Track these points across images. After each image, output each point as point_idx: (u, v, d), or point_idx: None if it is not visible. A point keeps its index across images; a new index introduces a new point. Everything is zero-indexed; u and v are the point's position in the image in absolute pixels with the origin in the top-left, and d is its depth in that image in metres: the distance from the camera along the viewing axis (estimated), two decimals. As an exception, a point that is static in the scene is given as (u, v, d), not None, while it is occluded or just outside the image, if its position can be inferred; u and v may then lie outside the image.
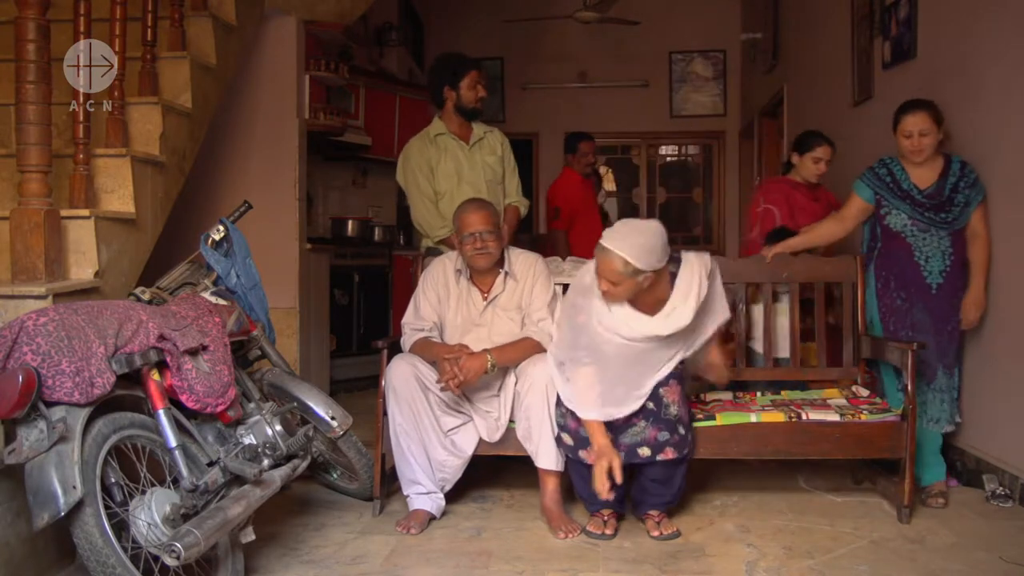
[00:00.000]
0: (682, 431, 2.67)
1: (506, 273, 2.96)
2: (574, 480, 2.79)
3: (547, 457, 2.77)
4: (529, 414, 2.78)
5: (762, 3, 7.10)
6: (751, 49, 7.73)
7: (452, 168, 3.51)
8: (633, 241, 2.47)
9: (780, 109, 6.55)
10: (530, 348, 2.87)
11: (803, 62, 5.96)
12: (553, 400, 2.75)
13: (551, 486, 2.81)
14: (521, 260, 3.00)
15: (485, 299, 2.97)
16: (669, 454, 2.65)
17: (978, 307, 3.11)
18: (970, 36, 3.35)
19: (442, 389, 2.79)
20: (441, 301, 2.98)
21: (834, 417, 2.89)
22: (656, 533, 2.69)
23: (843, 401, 3.09)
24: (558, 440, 2.74)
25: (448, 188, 3.49)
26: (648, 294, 2.58)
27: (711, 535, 2.72)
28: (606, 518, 2.73)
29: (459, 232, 2.90)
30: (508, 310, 2.95)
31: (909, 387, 2.82)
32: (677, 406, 2.66)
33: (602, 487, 2.54)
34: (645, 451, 2.65)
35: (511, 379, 2.89)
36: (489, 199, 3.34)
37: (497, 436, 2.88)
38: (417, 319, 2.97)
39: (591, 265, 2.62)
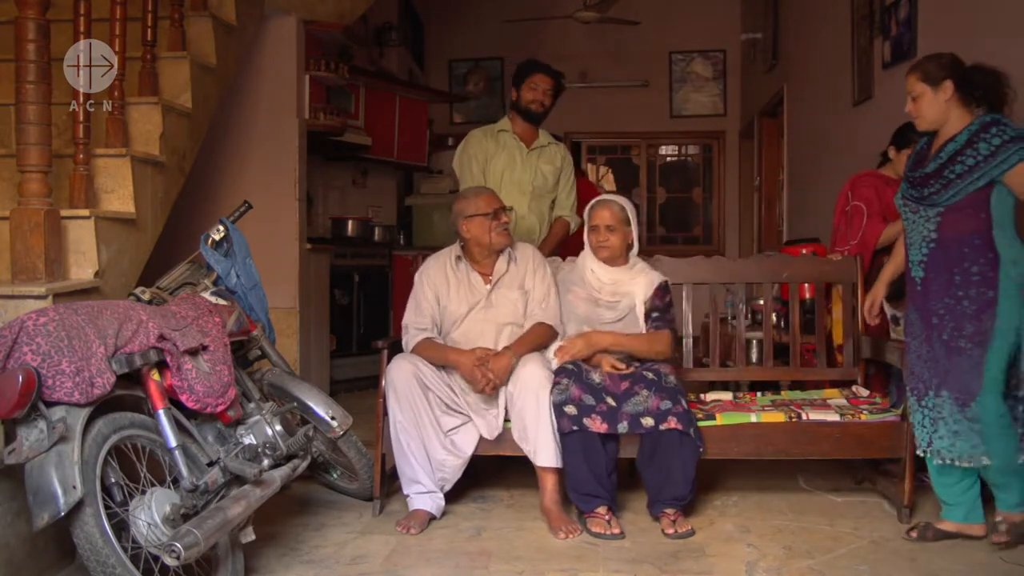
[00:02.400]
0: (685, 404, 2.74)
1: (510, 253, 3.03)
2: (568, 473, 2.75)
3: (546, 454, 2.77)
4: (523, 415, 2.79)
5: (762, 3, 7.10)
6: (751, 49, 7.73)
7: (504, 164, 3.56)
8: (621, 199, 3.07)
9: (780, 109, 6.56)
10: (544, 333, 2.96)
11: (803, 62, 5.96)
12: (547, 398, 2.75)
13: (550, 484, 2.81)
14: (518, 245, 3.11)
15: (488, 282, 3.01)
16: (673, 423, 2.68)
17: None
18: (970, 36, 3.35)
19: (478, 393, 2.85)
20: (440, 293, 3.00)
21: (834, 417, 2.89)
22: (671, 531, 2.68)
23: (843, 401, 3.09)
24: (560, 415, 2.72)
25: (495, 183, 3.52)
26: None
27: (711, 535, 2.72)
28: (607, 518, 2.71)
29: (476, 212, 2.95)
30: (511, 290, 3.00)
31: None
32: (675, 378, 2.84)
33: (564, 352, 2.87)
34: (648, 421, 2.70)
35: None
36: (533, 205, 3.51)
37: (496, 434, 2.87)
38: (419, 317, 2.98)
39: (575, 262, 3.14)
